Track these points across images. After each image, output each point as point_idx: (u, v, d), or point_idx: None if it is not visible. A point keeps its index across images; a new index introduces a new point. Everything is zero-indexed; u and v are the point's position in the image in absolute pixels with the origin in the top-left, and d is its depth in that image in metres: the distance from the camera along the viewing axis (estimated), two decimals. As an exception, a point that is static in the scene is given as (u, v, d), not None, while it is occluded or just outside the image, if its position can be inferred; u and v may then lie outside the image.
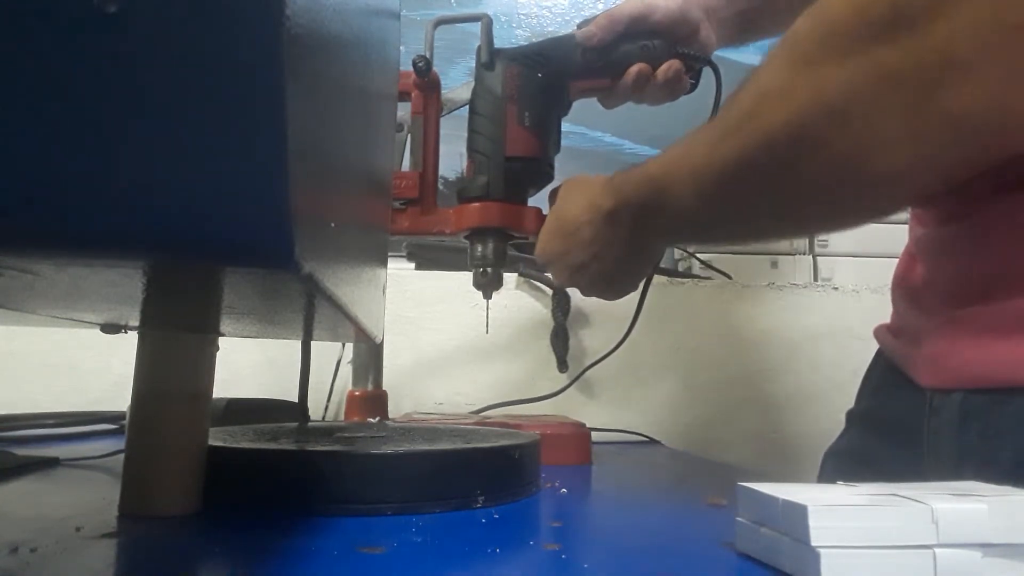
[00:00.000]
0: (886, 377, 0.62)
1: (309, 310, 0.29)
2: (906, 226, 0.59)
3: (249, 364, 0.94)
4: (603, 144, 1.35)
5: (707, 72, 0.67)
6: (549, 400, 0.93)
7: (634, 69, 0.64)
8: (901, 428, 0.57)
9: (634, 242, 0.54)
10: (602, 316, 1.03)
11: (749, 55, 1.42)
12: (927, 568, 0.25)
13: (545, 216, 0.66)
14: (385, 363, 0.80)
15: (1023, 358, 0.45)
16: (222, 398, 0.68)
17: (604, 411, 0.99)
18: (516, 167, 0.65)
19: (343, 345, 0.93)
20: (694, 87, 0.67)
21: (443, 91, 0.72)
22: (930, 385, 0.54)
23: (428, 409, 0.97)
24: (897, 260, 0.62)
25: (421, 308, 1.01)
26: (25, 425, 0.71)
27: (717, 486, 0.54)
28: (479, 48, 0.67)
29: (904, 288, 0.61)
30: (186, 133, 0.17)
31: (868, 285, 1.08)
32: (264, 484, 0.38)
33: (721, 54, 0.69)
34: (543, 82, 0.65)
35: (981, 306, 0.48)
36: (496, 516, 0.38)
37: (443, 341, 1.01)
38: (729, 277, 1.13)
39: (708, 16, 0.67)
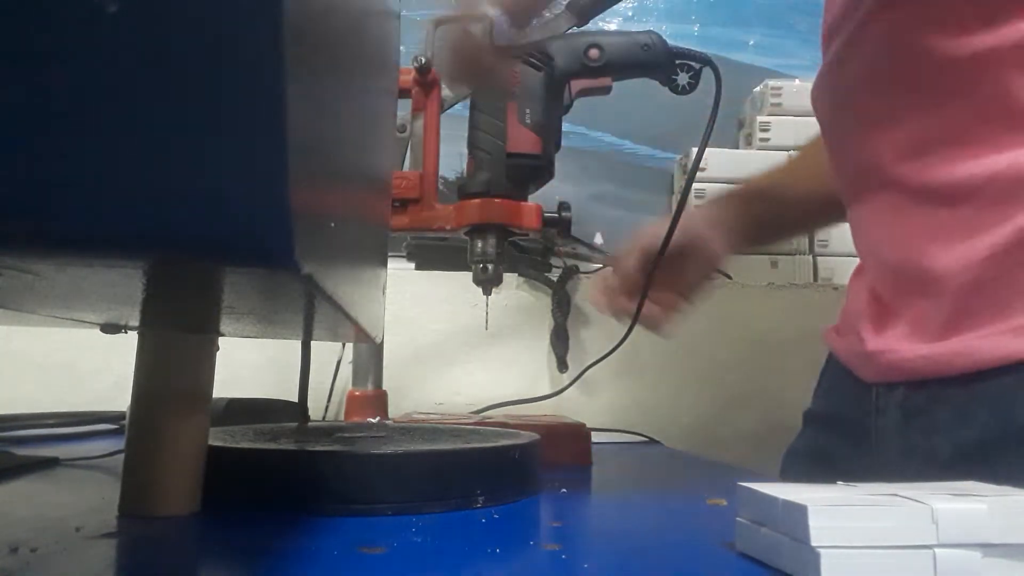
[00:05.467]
0: (836, 377, 0.65)
1: (309, 310, 0.29)
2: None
3: (249, 364, 0.94)
4: (603, 144, 1.35)
5: (707, 74, 0.66)
6: (549, 400, 0.93)
7: None
8: (851, 427, 0.60)
9: None
10: (602, 316, 1.02)
11: (748, 55, 1.42)
12: (927, 568, 0.25)
13: (544, 214, 0.66)
14: (385, 363, 0.80)
15: (952, 353, 0.48)
16: (222, 398, 0.68)
17: (604, 411, 0.99)
18: (517, 164, 0.65)
19: (343, 345, 0.93)
20: (693, 87, 0.67)
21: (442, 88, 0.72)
22: (874, 380, 0.56)
23: (428, 409, 0.97)
24: None
25: (421, 308, 1.01)
26: (25, 425, 0.71)
27: (717, 486, 0.54)
28: (479, 48, 0.67)
29: (855, 279, 0.64)
30: (186, 133, 0.17)
31: (868, 285, 1.08)
32: (264, 484, 0.38)
33: (721, 54, 0.69)
34: (544, 80, 0.65)
35: (907, 298, 0.52)
36: (496, 516, 0.38)
37: (443, 341, 1.01)
38: (729, 277, 1.13)
39: (713, 227, 0.70)
